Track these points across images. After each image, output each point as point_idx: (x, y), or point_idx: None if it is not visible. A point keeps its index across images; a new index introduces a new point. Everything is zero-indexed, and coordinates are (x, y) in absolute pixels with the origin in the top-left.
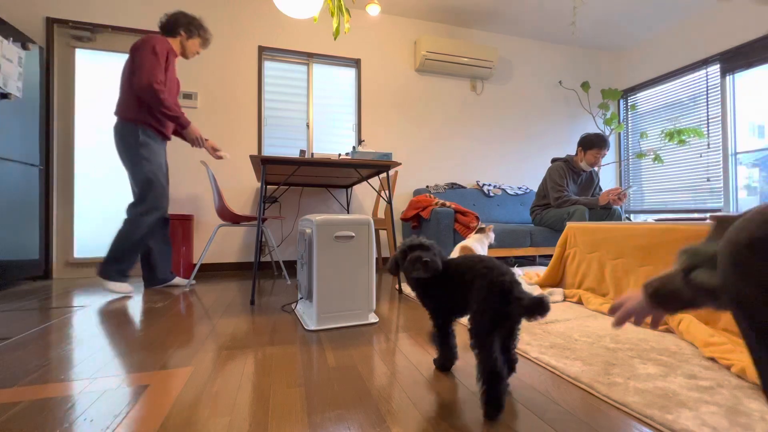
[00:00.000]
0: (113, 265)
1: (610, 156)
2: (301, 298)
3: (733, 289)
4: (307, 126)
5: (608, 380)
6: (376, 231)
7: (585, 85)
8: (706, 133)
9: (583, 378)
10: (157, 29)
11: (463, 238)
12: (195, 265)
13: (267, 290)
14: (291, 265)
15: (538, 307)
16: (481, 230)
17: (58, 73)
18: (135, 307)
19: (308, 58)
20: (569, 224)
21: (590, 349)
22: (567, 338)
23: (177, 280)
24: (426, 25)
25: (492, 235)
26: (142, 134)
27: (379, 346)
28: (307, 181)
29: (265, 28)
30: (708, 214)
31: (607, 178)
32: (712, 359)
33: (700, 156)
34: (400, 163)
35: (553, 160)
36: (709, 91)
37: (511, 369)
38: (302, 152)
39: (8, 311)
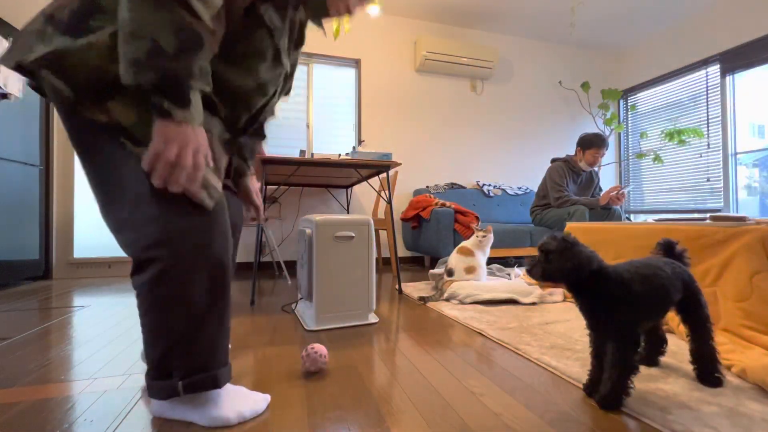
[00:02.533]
0: None
1: (610, 156)
2: (301, 299)
3: None
4: (307, 126)
5: None
6: (376, 231)
7: (585, 85)
8: (706, 133)
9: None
10: None
11: (463, 238)
12: None
13: (267, 290)
14: (291, 265)
15: None
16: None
17: None
18: (135, 307)
19: (308, 58)
20: (569, 224)
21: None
22: (567, 339)
23: None
24: (426, 25)
25: (491, 237)
26: None
27: (379, 346)
28: (307, 182)
29: None
30: (708, 214)
31: (607, 178)
32: None
33: (700, 156)
34: (400, 163)
35: (553, 160)
36: (709, 92)
37: None
38: (302, 152)
39: (8, 311)
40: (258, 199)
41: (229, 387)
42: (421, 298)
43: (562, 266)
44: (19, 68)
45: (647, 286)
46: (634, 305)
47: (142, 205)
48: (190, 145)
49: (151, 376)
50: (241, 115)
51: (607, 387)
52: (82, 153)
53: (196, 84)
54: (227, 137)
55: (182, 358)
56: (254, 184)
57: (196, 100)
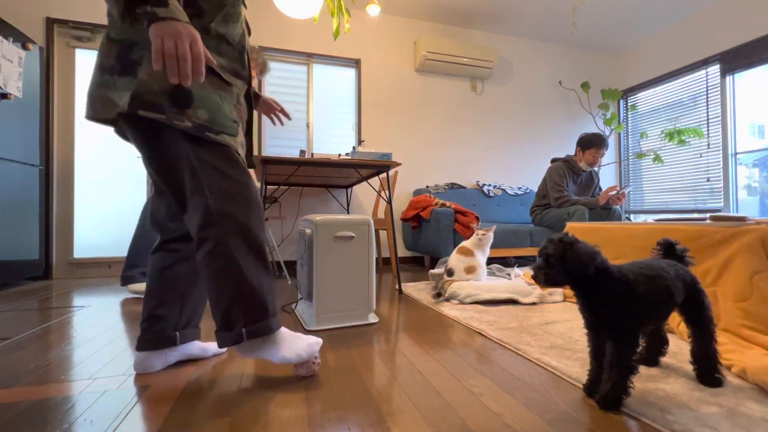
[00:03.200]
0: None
1: (610, 156)
2: (301, 299)
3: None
4: (307, 126)
5: None
6: (376, 231)
7: (585, 85)
8: (706, 133)
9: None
10: None
11: (463, 238)
12: None
13: None
14: (291, 265)
15: None
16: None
17: (58, 73)
18: (135, 307)
19: (308, 58)
20: (569, 224)
21: None
22: (567, 339)
23: None
24: (426, 25)
25: (490, 236)
26: None
27: (379, 346)
28: (307, 181)
29: (265, 28)
30: (708, 214)
31: (607, 178)
32: None
33: (700, 156)
34: (400, 163)
35: (553, 161)
36: (709, 91)
37: None
38: (302, 152)
39: (8, 311)
40: (278, 104)
41: (288, 333)
42: (438, 294)
43: (566, 269)
44: (122, 117)
45: (651, 288)
46: (637, 306)
47: (195, 196)
48: (183, 36)
49: (219, 329)
50: (245, 59)
51: (607, 387)
52: (167, 164)
53: None
54: (246, 89)
55: (241, 312)
56: (263, 106)
57: (172, 1)
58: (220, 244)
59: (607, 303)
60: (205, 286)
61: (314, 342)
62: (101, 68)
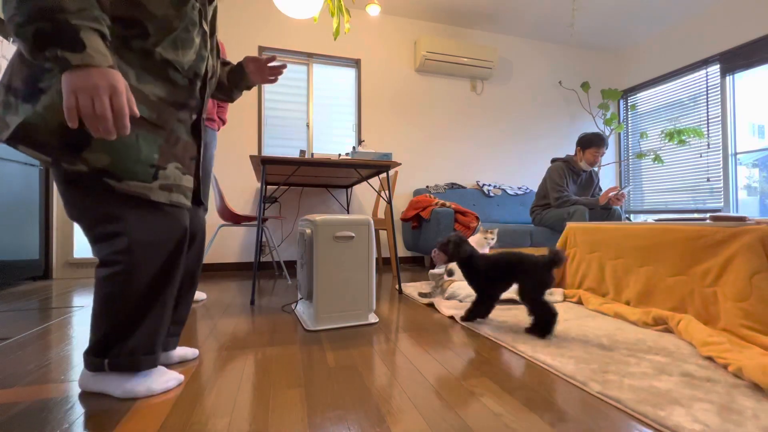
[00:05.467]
0: None
1: (610, 156)
2: (301, 299)
3: None
4: (307, 126)
5: (603, 378)
6: (376, 231)
7: (585, 85)
8: (706, 133)
9: (578, 376)
10: None
11: None
12: None
13: (267, 290)
14: (291, 265)
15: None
16: (489, 232)
17: None
18: None
19: (308, 58)
20: (569, 224)
21: (586, 348)
22: (566, 338)
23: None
24: (426, 25)
25: (494, 237)
26: None
27: (379, 346)
28: (307, 181)
29: (265, 28)
30: (708, 214)
31: (607, 178)
32: (710, 358)
33: (700, 156)
34: (400, 163)
35: (553, 160)
36: (709, 91)
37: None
38: (302, 152)
39: (8, 311)
40: (261, 59)
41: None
42: (422, 294)
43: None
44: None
45: (492, 268)
46: (484, 278)
47: (108, 224)
48: (101, 90)
49: (88, 351)
50: (197, 87)
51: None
52: (72, 203)
53: (81, 22)
54: (194, 119)
55: (116, 344)
56: (249, 68)
57: (92, 41)
58: (122, 270)
59: (473, 274)
60: (93, 303)
61: (173, 378)
62: (6, 87)
